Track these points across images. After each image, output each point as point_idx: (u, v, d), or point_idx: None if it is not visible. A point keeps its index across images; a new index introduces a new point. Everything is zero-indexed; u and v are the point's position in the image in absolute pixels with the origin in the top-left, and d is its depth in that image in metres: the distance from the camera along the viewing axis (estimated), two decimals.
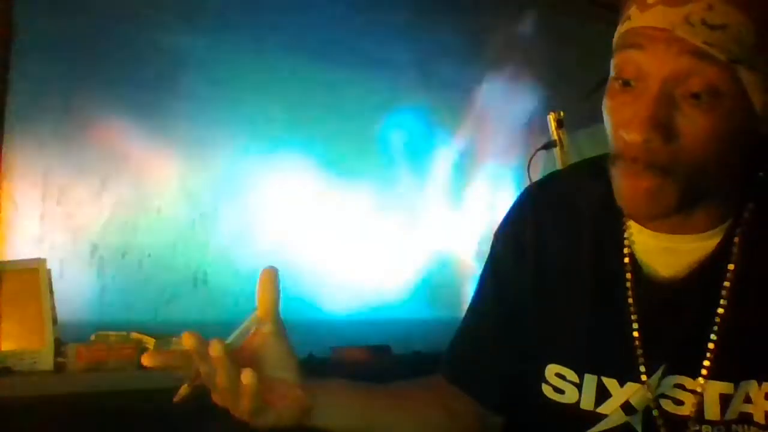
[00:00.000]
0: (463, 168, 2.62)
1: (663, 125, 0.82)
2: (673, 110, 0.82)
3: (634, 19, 0.84)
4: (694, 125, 0.82)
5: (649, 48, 0.83)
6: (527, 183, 1.20)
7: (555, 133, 2.37)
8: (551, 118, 2.38)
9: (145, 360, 0.82)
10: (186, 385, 0.82)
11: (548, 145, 2.38)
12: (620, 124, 0.86)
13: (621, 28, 0.87)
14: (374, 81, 2.44)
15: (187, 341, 0.79)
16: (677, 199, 0.86)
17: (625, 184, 0.87)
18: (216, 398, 0.84)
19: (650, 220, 0.94)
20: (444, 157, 2.58)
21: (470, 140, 2.64)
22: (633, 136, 0.83)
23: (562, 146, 2.35)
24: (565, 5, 2.72)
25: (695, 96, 0.81)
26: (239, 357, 0.84)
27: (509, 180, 2.59)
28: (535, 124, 2.53)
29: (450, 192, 2.60)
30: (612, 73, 0.87)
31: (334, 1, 2.36)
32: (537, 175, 2.31)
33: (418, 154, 2.53)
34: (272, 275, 0.85)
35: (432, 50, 2.56)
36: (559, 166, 2.33)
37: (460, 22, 2.62)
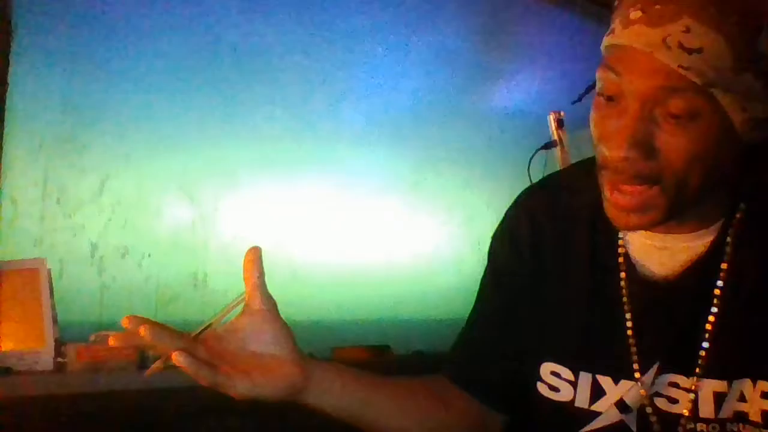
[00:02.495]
0: (464, 167, 2.62)
1: (643, 143, 0.84)
2: (653, 128, 0.84)
3: (617, 34, 0.85)
4: (673, 143, 0.83)
5: (627, 70, 0.84)
6: (527, 183, 1.21)
7: (555, 133, 2.37)
8: (551, 118, 2.39)
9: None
10: (159, 361, 0.83)
11: (548, 145, 2.38)
12: (603, 137, 0.88)
13: (605, 40, 0.88)
14: (375, 82, 2.44)
15: (128, 324, 0.81)
16: (665, 210, 0.87)
17: (611, 195, 0.89)
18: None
19: (637, 230, 0.95)
20: (444, 156, 2.58)
21: (469, 140, 2.64)
22: (614, 153, 0.85)
23: (562, 146, 2.36)
24: (566, 4, 2.72)
25: (674, 116, 0.83)
26: (229, 336, 0.86)
27: (509, 180, 2.59)
28: (535, 124, 2.53)
29: (450, 191, 2.60)
30: (597, 86, 0.89)
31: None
32: (537, 175, 2.31)
33: (418, 155, 2.53)
34: (256, 253, 0.87)
35: (432, 50, 2.56)
36: (559, 166, 2.33)
37: (459, 22, 2.62)
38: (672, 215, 0.88)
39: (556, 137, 2.37)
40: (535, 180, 1.21)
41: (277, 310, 0.88)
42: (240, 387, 0.84)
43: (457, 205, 2.61)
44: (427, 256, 2.52)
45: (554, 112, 2.39)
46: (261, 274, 0.87)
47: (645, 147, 0.84)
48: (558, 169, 2.30)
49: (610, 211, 0.90)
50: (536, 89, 2.74)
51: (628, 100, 0.84)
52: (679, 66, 0.81)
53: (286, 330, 0.89)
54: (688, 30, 0.80)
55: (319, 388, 0.91)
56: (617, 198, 0.88)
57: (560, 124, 2.37)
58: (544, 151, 2.38)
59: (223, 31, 2.14)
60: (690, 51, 0.80)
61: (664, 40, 0.81)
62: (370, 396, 0.98)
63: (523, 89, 2.74)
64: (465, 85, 2.64)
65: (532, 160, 2.36)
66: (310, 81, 2.29)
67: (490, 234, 1.13)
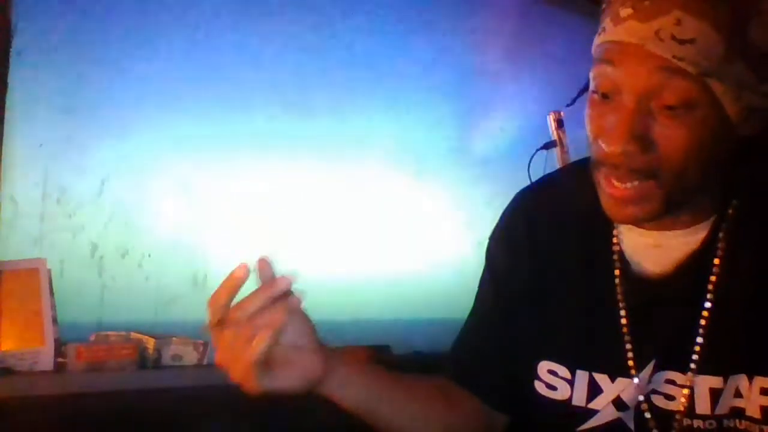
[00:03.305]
0: (464, 167, 2.62)
1: (640, 136, 0.84)
2: (649, 121, 0.84)
3: (608, 32, 0.87)
4: (670, 135, 0.84)
5: (622, 63, 0.85)
6: (527, 183, 1.21)
7: (555, 133, 2.38)
8: (551, 118, 2.39)
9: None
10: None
11: (548, 145, 2.39)
12: (599, 134, 0.89)
13: (596, 40, 0.89)
14: (375, 83, 2.44)
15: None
16: (662, 203, 0.88)
17: (609, 188, 0.89)
18: (220, 356, 0.86)
19: (635, 224, 0.96)
20: (444, 156, 2.58)
21: (470, 140, 2.64)
22: (612, 148, 0.86)
23: (562, 146, 2.36)
24: (566, 4, 2.72)
25: (670, 108, 0.83)
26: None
27: (509, 180, 2.59)
28: (535, 124, 2.53)
29: (450, 191, 2.60)
30: (591, 85, 0.89)
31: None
32: (537, 175, 2.31)
33: (418, 155, 2.53)
34: (266, 264, 0.97)
35: (431, 50, 2.56)
36: (559, 166, 2.33)
37: (459, 22, 2.62)
38: (669, 208, 0.89)
39: (555, 137, 2.38)
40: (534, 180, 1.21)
41: (300, 302, 0.90)
42: (263, 380, 0.85)
43: (457, 205, 2.61)
44: (427, 256, 2.52)
45: (554, 112, 2.39)
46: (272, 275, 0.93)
47: (643, 140, 0.84)
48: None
49: (608, 203, 0.90)
50: (536, 89, 2.74)
51: (624, 94, 0.85)
52: (673, 56, 0.82)
53: (308, 321, 0.91)
54: (679, 22, 0.81)
55: (339, 379, 0.92)
56: (615, 190, 0.88)
57: (560, 124, 2.37)
58: (544, 151, 2.39)
59: (222, 31, 2.14)
60: (682, 42, 0.81)
61: (656, 33, 0.82)
62: (387, 392, 0.99)
63: (523, 89, 2.74)
64: (465, 85, 2.64)
65: (532, 160, 2.37)
66: (310, 81, 2.28)
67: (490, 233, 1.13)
